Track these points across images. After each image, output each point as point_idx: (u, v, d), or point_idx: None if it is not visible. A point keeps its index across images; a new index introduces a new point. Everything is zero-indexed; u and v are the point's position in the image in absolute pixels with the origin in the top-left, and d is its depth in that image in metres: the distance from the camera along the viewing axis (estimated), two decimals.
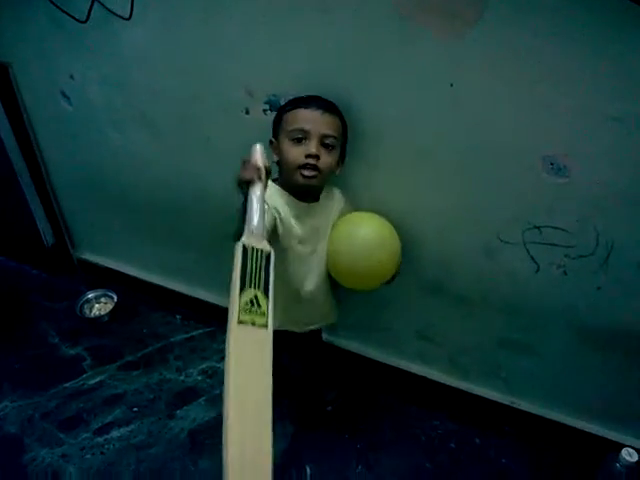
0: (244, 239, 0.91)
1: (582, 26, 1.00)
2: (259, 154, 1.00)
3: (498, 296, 1.47)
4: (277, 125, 1.25)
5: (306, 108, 1.19)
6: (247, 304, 0.88)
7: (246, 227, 0.94)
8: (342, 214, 1.38)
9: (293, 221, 1.28)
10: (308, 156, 1.18)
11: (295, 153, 1.19)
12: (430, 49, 1.13)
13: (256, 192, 0.97)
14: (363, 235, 1.31)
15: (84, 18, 1.44)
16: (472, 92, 1.16)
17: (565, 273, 1.32)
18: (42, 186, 2.06)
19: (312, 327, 1.50)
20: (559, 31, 1.02)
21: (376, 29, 1.16)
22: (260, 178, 0.97)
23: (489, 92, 1.15)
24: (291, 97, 1.28)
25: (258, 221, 0.95)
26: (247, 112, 1.41)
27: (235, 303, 0.87)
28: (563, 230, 1.26)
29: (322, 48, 1.25)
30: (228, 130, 1.49)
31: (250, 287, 0.89)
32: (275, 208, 1.22)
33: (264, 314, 0.89)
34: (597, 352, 1.44)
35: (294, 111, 1.20)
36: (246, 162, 0.99)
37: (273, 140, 1.27)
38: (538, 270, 1.35)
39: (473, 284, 1.49)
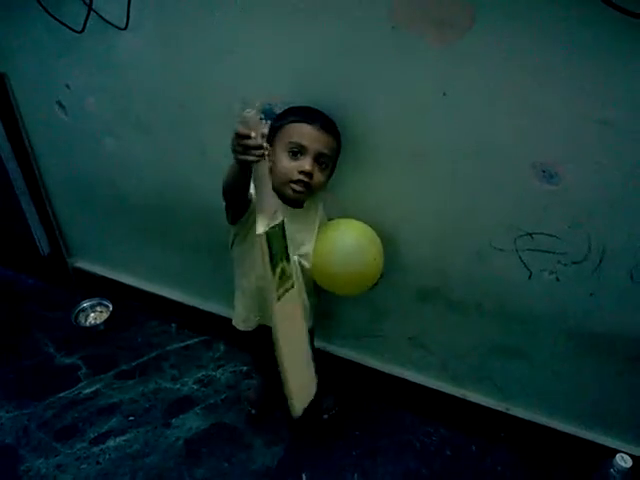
0: (262, 227, 1.01)
1: (572, 33, 1.02)
2: (258, 126, 0.94)
3: (491, 302, 1.48)
4: (275, 132, 1.25)
5: (309, 124, 1.20)
6: (279, 279, 1.05)
7: (259, 210, 1.02)
8: (321, 223, 1.39)
9: None
10: (301, 172, 1.20)
11: (289, 167, 1.20)
12: (423, 58, 1.15)
13: (262, 171, 0.99)
14: (353, 235, 1.33)
15: (80, 28, 1.45)
16: (464, 100, 1.18)
17: (558, 279, 1.33)
18: (38, 194, 2.06)
19: None
20: (549, 38, 1.04)
21: (370, 38, 1.18)
22: (264, 155, 0.97)
23: (481, 100, 1.16)
24: (286, 106, 1.30)
25: (268, 199, 1.03)
26: None
27: (273, 288, 1.05)
28: (555, 237, 1.27)
29: (316, 57, 1.27)
30: (223, 138, 1.48)
31: (278, 262, 1.04)
32: None
33: (290, 276, 1.09)
34: (590, 358, 1.45)
35: (296, 124, 1.20)
36: (242, 137, 0.95)
37: (267, 146, 1.26)
38: (531, 276, 1.36)
39: (466, 291, 1.50)
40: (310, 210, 1.36)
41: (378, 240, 1.36)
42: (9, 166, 1.95)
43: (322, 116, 1.24)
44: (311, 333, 1.61)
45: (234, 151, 0.98)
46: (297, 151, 1.20)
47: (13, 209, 2.08)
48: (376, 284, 1.39)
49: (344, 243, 1.32)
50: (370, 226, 1.37)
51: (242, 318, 1.45)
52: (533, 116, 1.14)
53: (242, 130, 0.94)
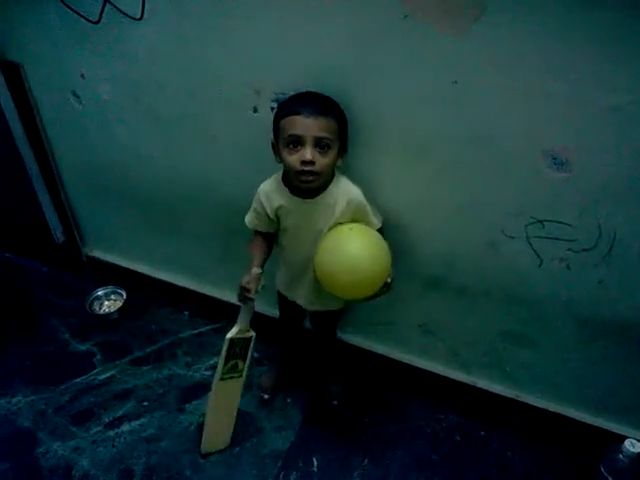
0: (231, 335, 1.45)
1: (582, 19, 1.02)
2: (255, 284, 1.37)
3: (501, 290, 1.50)
4: (275, 129, 1.28)
5: (299, 114, 1.19)
6: (229, 368, 1.50)
7: (237, 324, 1.45)
8: (355, 212, 1.34)
9: (286, 213, 1.37)
10: (303, 162, 1.20)
11: (292, 160, 1.22)
12: (435, 46, 1.16)
13: (246, 306, 1.42)
14: (340, 253, 1.28)
15: (96, 19, 1.47)
16: (475, 88, 1.18)
17: (568, 267, 1.34)
18: (53, 184, 2.09)
19: (317, 307, 1.55)
20: (558, 25, 1.05)
21: (382, 27, 1.18)
22: (248, 300, 1.39)
23: (491, 88, 1.17)
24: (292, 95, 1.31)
25: (244, 322, 1.45)
26: (255, 110, 1.44)
27: (219, 370, 1.49)
28: (566, 224, 1.28)
29: (327, 44, 1.27)
30: (236, 127, 1.52)
31: (233, 359, 1.49)
32: (269, 199, 1.37)
33: (240, 371, 1.53)
34: (599, 344, 1.46)
35: (288, 118, 1.21)
36: (244, 289, 1.37)
37: (274, 142, 1.30)
38: (541, 264, 1.37)
39: (476, 278, 1.51)
40: (326, 199, 1.33)
41: (370, 265, 1.27)
42: (25, 155, 1.98)
43: (312, 100, 1.24)
44: (338, 314, 1.66)
45: (238, 294, 1.40)
46: (295, 143, 1.21)
47: (28, 198, 2.10)
48: (373, 297, 1.35)
49: (328, 258, 1.30)
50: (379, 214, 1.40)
51: (280, 286, 1.61)
52: (543, 103, 1.14)
53: (246, 286, 1.37)
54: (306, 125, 1.19)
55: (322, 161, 1.22)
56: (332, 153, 1.24)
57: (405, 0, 1.13)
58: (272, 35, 1.32)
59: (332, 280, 1.30)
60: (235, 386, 1.56)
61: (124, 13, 1.45)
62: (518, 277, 1.44)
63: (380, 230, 1.38)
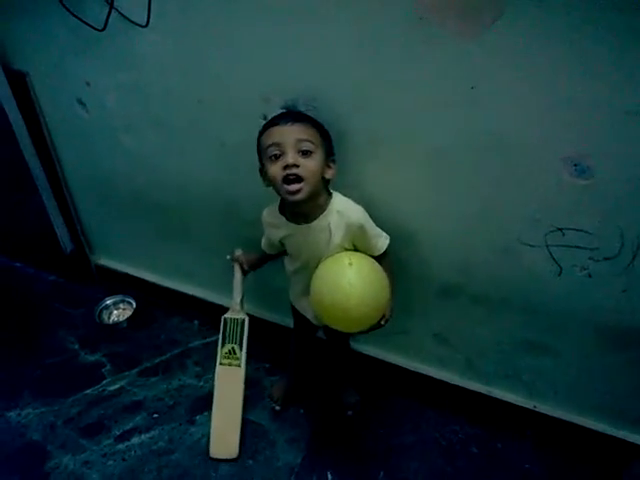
0: (226, 315, 1.59)
1: (602, 21, 0.98)
2: (236, 253, 1.60)
3: (519, 298, 1.46)
4: (259, 152, 1.26)
5: (276, 125, 1.19)
6: (226, 353, 1.56)
7: (232, 302, 1.59)
8: (355, 237, 1.29)
9: (288, 239, 1.36)
10: (286, 167, 1.16)
11: (275, 169, 1.18)
12: (452, 50, 1.12)
13: (236, 276, 1.59)
14: (333, 287, 1.23)
15: (101, 27, 1.44)
16: (493, 94, 1.14)
17: (589, 276, 1.30)
18: (60, 192, 2.08)
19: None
20: (580, 28, 1.00)
21: (396, 31, 1.15)
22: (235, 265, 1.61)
23: (510, 93, 1.13)
24: (309, 101, 1.30)
25: (236, 299, 1.59)
26: (265, 118, 1.40)
27: (218, 353, 1.57)
28: (587, 232, 1.24)
29: (338, 51, 1.24)
30: (246, 135, 1.48)
31: (229, 342, 1.56)
32: (272, 228, 1.38)
33: (238, 359, 1.55)
34: (621, 354, 1.42)
35: (266, 132, 1.21)
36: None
37: (261, 167, 1.28)
38: (561, 273, 1.33)
39: (492, 286, 1.47)
40: (320, 226, 1.28)
41: (363, 310, 1.22)
42: (31, 164, 1.96)
43: (290, 113, 1.25)
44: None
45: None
46: (277, 153, 1.18)
47: (36, 207, 2.09)
48: (365, 332, 1.33)
49: (317, 292, 1.27)
50: (392, 221, 1.37)
51: (291, 298, 1.58)
52: (565, 109, 1.10)
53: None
54: (284, 132, 1.18)
55: (307, 164, 1.18)
56: (316, 158, 1.20)
57: (420, 3, 1.09)
58: (281, 42, 1.29)
59: (322, 309, 1.27)
60: (235, 377, 1.56)
61: (130, 20, 1.42)
62: (537, 285, 1.40)
63: (385, 253, 1.34)
